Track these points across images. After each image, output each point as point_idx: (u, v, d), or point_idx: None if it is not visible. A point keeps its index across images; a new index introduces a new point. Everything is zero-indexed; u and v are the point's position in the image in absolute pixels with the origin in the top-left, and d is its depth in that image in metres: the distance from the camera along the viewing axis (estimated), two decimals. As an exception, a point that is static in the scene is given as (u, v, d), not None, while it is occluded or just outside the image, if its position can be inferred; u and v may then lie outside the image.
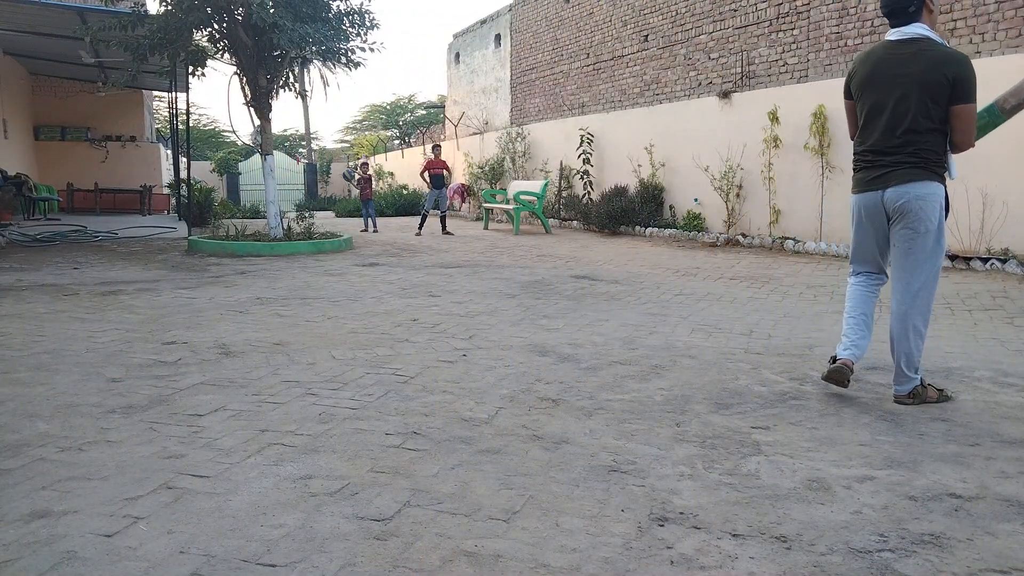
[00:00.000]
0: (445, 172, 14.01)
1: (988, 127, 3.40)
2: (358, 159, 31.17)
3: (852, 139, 3.60)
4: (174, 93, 16.70)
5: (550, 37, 16.74)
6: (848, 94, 3.57)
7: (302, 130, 40.49)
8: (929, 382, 3.49)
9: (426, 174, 13.80)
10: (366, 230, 14.63)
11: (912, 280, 3.31)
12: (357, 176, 15.34)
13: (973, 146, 3.27)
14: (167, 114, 26.51)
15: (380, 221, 16.07)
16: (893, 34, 3.32)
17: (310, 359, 4.20)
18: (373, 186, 16.42)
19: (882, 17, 9.16)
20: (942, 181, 3.27)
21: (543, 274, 7.91)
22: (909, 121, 3.23)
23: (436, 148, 14.54)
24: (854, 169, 3.53)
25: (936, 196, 3.23)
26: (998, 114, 3.37)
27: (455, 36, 22.22)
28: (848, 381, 3.44)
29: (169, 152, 21.74)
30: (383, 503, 2.32)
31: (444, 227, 13.63)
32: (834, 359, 3.51)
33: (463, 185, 19.05)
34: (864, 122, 3.45)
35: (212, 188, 17.07)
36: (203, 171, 29.47)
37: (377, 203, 20.29)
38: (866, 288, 3.57)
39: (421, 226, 13.92)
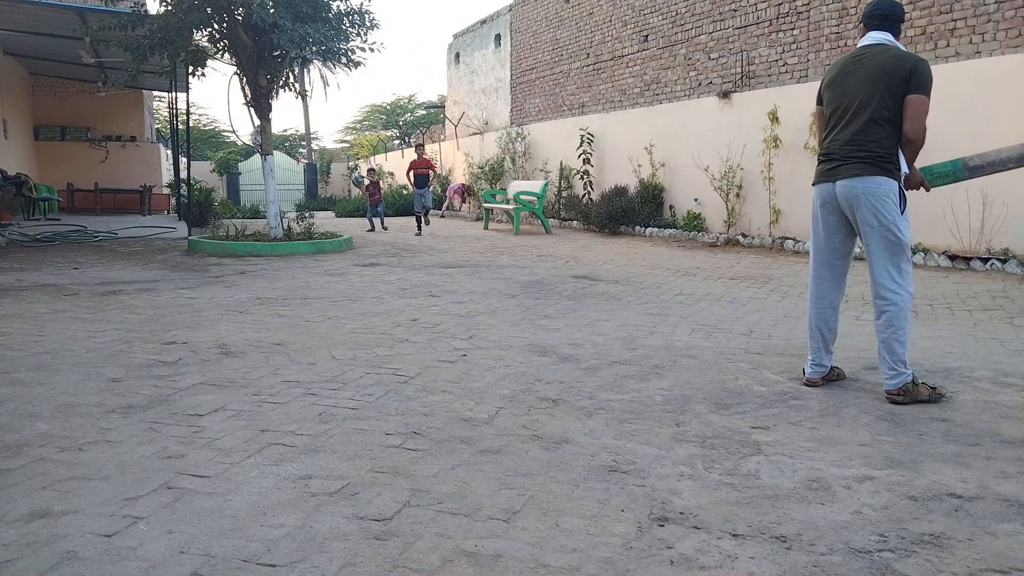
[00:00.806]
0: (431, 172, 14.01)
1: (947, 177, 3.55)
2: (357, 159, 31.18)
3: (820, 145, 3.72)
4: (174, 93, 16.70)
5: (550, 37, 16.74)
6: (818, 100, 3.72)
7: (302, 130, 40.51)
8: (922, 380, 3.49)
9: (411, 174, 13.87)
10: (373, 229, 14.61)
11: (880, 273, 3.39)
12: (366, 182, 15.40)
13: (921, 139, 3.33)
14: (167, 114, 26.51)
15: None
16: (863, 40, 3.50)
17: (310, 359, 4.20)
18: (381, 189, 16.56)
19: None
20: (893, 176, 3.34)
21: (543, 274, 7.91)
22: (868, 111, 3.35)
23: (419, 148, 14.57)
24: (817, 163, 3.66)
25: (886, 191, 3.31)
26: (960, 168, 3.52)
27: (455, 36, 22.22)
28: (822, 383, 3.68)
29: (169, 152, 21.74)
30: (383, 503, 2.32)
31: (425, 223, 13.80)
32: (804, 371, 3.75)
33: (463, 185, 19.05)
34: (827, 119, 3.59)
35: (212, 188, 17.09)
36: (203, 171, 29.46)
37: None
38: (821, 311, 3.66)
39: (419, 227, 13.95)
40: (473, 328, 5.08)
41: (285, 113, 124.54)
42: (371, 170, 16.56)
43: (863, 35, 3.55)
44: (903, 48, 3.43)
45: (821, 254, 3.64)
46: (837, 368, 3.77)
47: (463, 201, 19.33)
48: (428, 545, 2.05)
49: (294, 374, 3.88)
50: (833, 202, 3.50)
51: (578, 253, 10.10)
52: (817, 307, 3.67)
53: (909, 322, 3.40)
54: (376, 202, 15.19)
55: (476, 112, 20.66)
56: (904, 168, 3.41)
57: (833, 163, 3.48)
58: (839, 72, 3.53)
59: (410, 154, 25.68)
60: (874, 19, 3.47)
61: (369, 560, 1.97)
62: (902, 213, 3.34)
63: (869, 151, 3.33)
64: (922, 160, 3.59)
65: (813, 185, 3.65)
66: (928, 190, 3.58)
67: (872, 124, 3.33)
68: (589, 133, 14.29)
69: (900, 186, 3.37)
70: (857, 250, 3.71)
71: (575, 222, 14.42)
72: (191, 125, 19.61)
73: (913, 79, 3.28)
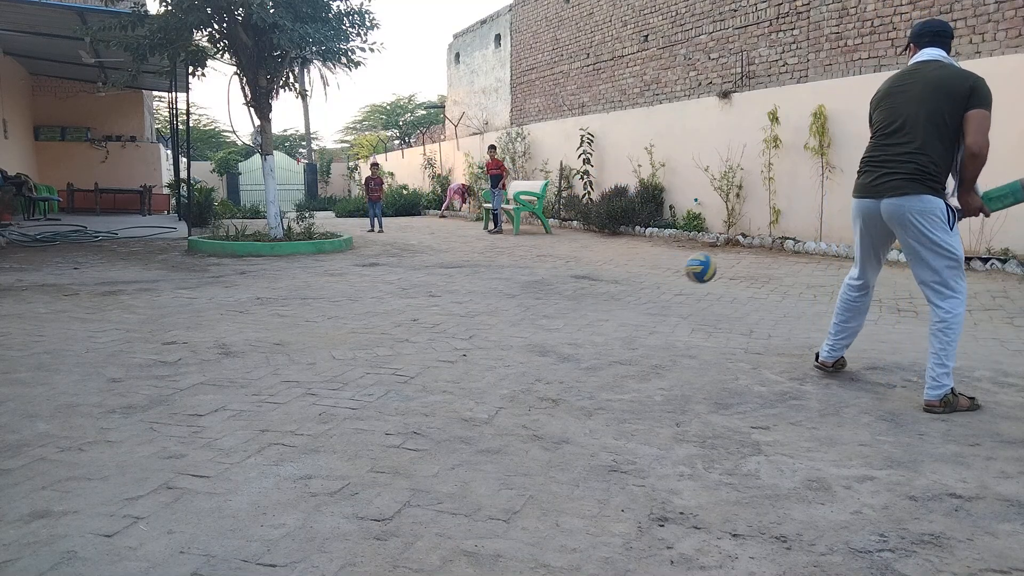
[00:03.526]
0: (502, 173, 14.02)
1: (1007, 199, 3.44)
2: (357, 159, 31.14)
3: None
4: (174, 93, 16.70)
5: (550, 37, 16.74)
6: (871, 121, 3.63)
7: (302, 130, 40.51)
8: (960, 391, 3.39)
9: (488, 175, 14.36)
10: (372, 230, 14.63)
11: (938, 286, 3.32)
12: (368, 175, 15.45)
13: (985, 152, 3.25)
14: (167, 114, 26.51)
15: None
16: (917, 57, 3.44)
17: (310, 359, 4.20)
18: (384, 187, 16.51)
19: (882, 18, 9.17)
20: (939, 194, 3.27)
21: (543, 274, 7.91)
22: (925, 125, 3.27)
23: (491, 149, 14.63)
24: (858, 173, 3.61)
25: (932, 208, 3.25)
26: (1020, 189, 3.42)
27: (455, 36, 22.22)
28: (832, 368, 3.88)
29: (169, 152, 21.74)
30: (383, 503, 2.32)
31: (495, 225, 13.96)
32: (817, 355, 3.92)
33: (463, 185, 19.07)
34: (875, 132, 3.52)
35: (212, 188, 17.07)
36: (203, 171, 29.45)
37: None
38: (853, 300, 3.73)
39: (496, 224, 14.10)
40: (473, 328, 5.08)
41: (285, 113, 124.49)
42: (374, 164, 16.53)
43: (914, 54, 3.50)
44: (958, 65, 3.37)
45: (866, 260, 3.66)
46: (843, 359, 3.90)
47: (463, 201, 19.34)
48: (428, 545, 2.05)
49: (294, 374, 3.88)
50: (878, 218, 3.45)
51: (578, 253, 10.10)
52: (850, 291, 3.71)
53: (961, 332, 3.33)
54: (376, 199, 15.20)
55: (476, 112, 20.66)
56: (950, 193, 3.36)
57: (878, 174, 3.39)
58: (892, 87, 3.47)
59: (410, 154, 25.80)
60: (926, 36, 3.44)
61: (369, 560, 1.97)
62: (952, 229, 3.30)
63: (920, 166, 3.26)
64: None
65: (855, 198, 3.57)
66: (988, 215, 3.49)
67: (929, 139, 3.26)
68: (589, 133, 14.28)
69: (947, 203, 3.30)
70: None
71: (575, 222, 14.42)
72: (191, 125, 19.62)
73: (974, 96, 3.21)
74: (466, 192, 18.97)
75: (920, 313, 5.50)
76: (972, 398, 3.34)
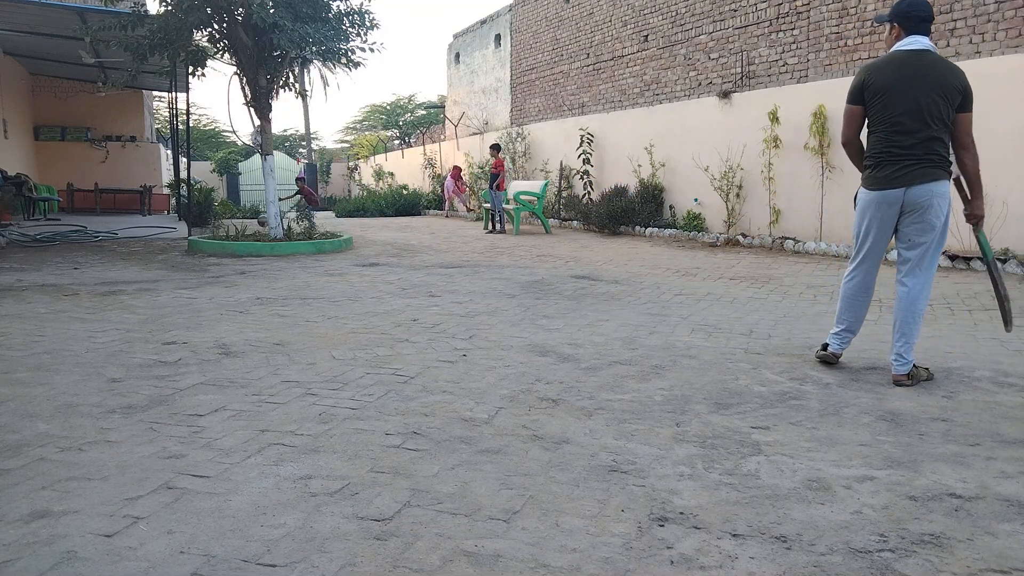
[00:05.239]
0: (499, 172, 13.92)
1: (983, 248, 3.81)
2: (357, 159, 31.18)
3: (846, 143, 3.76)
4: (174, 93, 16.70)
5: (550, 37, 16.74)
6: (857, 100, 3.66)
7: (302, 130, 40.47)
8: (914, 361, 3.70)
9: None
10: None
11: (924, 269, 3.60)
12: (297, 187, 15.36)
13: (975, 151, 3.51)
14: (167, 114, 26.51)
15: (380, 221, 16.08)
16: (910, 44, 3.50)
17: (310, 359, 4.20)
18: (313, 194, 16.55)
19: (882, 17, 9.18)
20: (949, 177, 3.55)
21: (543, 274, 7.91)
22: (931, 121, 3.45)
23: (492, 148, 14.54)
24: (869, 166, 3.67)
25: (946, 191, 3.52)
26: (990, 256, 3.82)
27: (455, 36, 22.23)
28: (836, 361, 3.96)
29: (169, 152, 21.75)
30: (383, 503, 2.32)
31: (493, 226, 13.97)
32: (825, 346, 3.97)
33: (456, 168, 18.93)
34: (882, 123, 3.58)
35: (212, 188, 17.07)
36: (203, 171, 29.50)
37: (378, 203, 20.53)
38: (863, 284, 3.83)
39: (492, 226, 14.11)
40: (473, 328, 5.08)
41: (285, 113, 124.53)
42: (300, 179, 16.30)
43: (900, 36, 3.55)
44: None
45: (875, 252, 3.77)
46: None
47: (459, 190, 19.19)
48: (428, 545, 2.05)
49: (294, 374, 3.88)
50: (899, 205, 3.57)
51: (578, 253, 10.10)
52: (862, 298, 3.84)
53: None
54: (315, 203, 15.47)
55: (476, 112, 20.66)
56: (954, 171, 3.59)
57: (902, 167, 3.51)
58: (897, 74, 3.49)
59: (410, 154, 25.82)
60: (917, 21, 3.50)
61: (369, 560, 1.97)
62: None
63: (939, 155, 3.49)
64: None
65: (873, 190, 3.63)
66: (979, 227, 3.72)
67: (939, 131, 3.47)
68: (589, 133, 14.28)
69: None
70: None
71: (575, 222, 14.42)
72: (191, 125, 19.62)
73: (966, 96, 3.45)
74: (458, 176, 18.84)
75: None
76: (926, 368, 3.69)
